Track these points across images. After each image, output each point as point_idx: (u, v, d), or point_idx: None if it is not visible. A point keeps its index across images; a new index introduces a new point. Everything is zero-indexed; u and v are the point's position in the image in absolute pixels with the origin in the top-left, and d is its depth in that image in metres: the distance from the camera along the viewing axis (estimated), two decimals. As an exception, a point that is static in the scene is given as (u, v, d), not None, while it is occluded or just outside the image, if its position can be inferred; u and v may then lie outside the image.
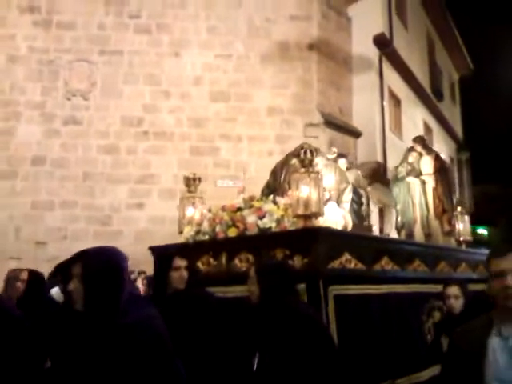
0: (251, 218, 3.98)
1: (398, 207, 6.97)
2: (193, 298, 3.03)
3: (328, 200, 5.26)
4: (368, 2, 11.21)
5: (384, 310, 3.95)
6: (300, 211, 3.76)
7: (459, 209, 7.13)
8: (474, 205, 19.03)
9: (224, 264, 3.96)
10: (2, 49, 9.40)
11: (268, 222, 3.91)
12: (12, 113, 9.18)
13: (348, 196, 5.69)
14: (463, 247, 6.64)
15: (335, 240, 3.72)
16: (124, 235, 8.77)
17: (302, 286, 3.22)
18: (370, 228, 7.06)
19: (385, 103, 11.15)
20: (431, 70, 15.14)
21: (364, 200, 6.84)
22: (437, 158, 7.01)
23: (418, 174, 6.85)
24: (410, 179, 6.86)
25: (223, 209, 4.23)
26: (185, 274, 3.07)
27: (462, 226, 6.88)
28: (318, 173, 3.95)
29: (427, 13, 14.98)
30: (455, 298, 3.73)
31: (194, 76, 9.53)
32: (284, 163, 5.34)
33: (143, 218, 8.98)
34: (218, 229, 4.12)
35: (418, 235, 6.59)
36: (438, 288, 4.36)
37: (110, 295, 1.79)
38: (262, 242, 3.78)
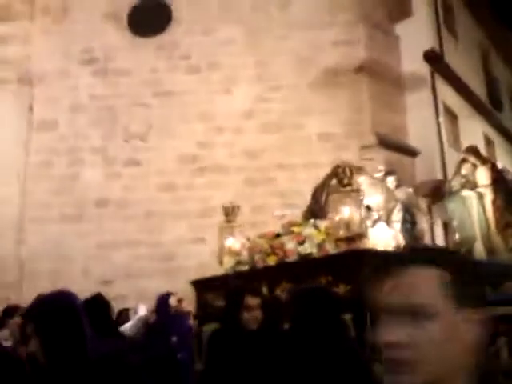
0: (290, 244, 3.82)
1: (455, 223, 6.51)
2: (263, 339, 2.64)
3: (377, 220, 5.09)
4: (415, 19, 11.07)
5: None
6: (341, 233, 3.55)
7: None
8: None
9: (266, 295, 3.65)
10: (67, 99, 9.99)
11: (308, 248, 3.72)
12: (76, 159, 9.67)
13: (398, 215, 5.44)
14: None
15: (380, 262, 3.36)
16: (187, 270, 8.91)
17: (347, 317, 2.96)
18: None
19: (440, 119, 10.86)
20: (487, 81, 14.65)
21: (418, 219, 6.43)
22: (493, 167, 6.54)
23: (474, 187, 6.35)
24: (466, 193, 6.36)
25: (262, 236, 4.10)
26: (258, 313, 2.68)
27: None
28: (358, 191, 3.75)
29: (478, 23, 14.59)
30: None
31: (245, 110, 9.71)
32: (324, 185, 5.14)
33: (205, 252, 9.09)
34: (256, 257, 3.97)
35: (479, 252, 6.04)
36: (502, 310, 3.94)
37: (71, 341, 1.68)
38: (303, 269, 3.56)
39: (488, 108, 14.03)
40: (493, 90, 14.81)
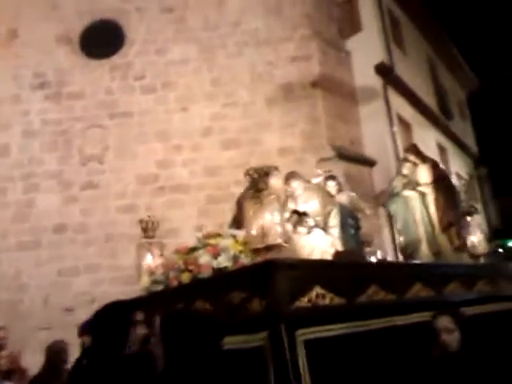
0: (204, 258, 3.41)
1: (398, 226, 6.24)
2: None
3: (313, 227, 4.93)
4: (364, 34, 11.41)
5: (378, 350, 3.19)
6: (258, 244, 3.20)
7: (469, 219, 6.26)
8: (501, 219, 18.67)
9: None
10: (18, 125, 9.75)
11: (223, 261, 3.34)
12: (31, 184, 9.41)
13: (334, 220, 5.17)
14: (480, 262, 5.90)
15: (300, 272, 3.04)
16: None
17: (263, 335, 2.79)
18: (373, 253, 6.32)
19: (395, 129, 11.16)
20: (437, 91, 15.19)
21: (363, 223, 6.18)
22: (434, 165, 6.30)
23: (415, 187, 6.12)
24: (407, 193, 6.10)
25: (177, 252, 3.68)
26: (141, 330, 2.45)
27: (476, 238, 6.09)
28: (275, 195, 3.35)
29: (424, 36, 15.16)
30: (448, 332, 3.03)
31: (203, 127, 9.71)
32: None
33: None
34: (171, 275, 3.56)
35: (425, 255, 5.83)
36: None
37: None
38: (217, 286, 3.20)
39: (439, 117, 14.54)
40: (442, 100, 15.36)
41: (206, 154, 9.59)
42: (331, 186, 6.17)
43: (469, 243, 5.95)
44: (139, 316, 2.55)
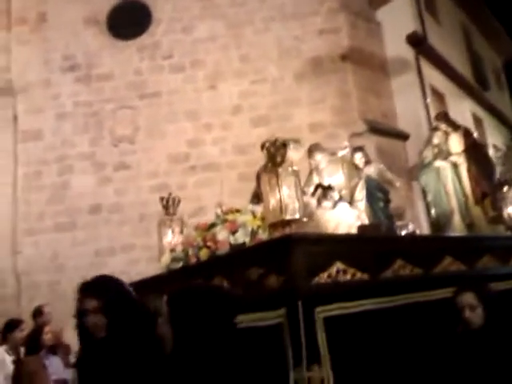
0: (222, 235, 3.37)
1: (429, 198, 5.91)
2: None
3: (338, 201, 4.84)
4: (395, 4, 11.03)
5: (403, 328, 3.07)
6: (274, 219, 3.03)
7: (505, 189, 5.77)
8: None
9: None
10: (50, 108, 9.88)
11: (240, 237, 3.28)
12: (65, 166, 9.57)
13: (360, 194, 5.05)
14: None
15: (319, 247, 2.94)
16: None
17: (281, 312, 2.68)
18: (405, 226, 6.05)
19: (428, 101, 10.85)
20: (472, 61, 14.68)
21: (393, 197, 5.96)
22: (466, 133, 5.92)
23: (447, 156, 5.81)
24: (439, 163, 5.79)
25: (196, 228, 3.66)
26: (97, 319, 2.15)
27: None
28: (292, 168, 3.17)
29: (459, 4, 14.60)
30: (471, 309, 2.88)
31: (232, 105, 9.64)
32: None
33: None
34: (190, 252, 3.53)
35: (459, 227, 5.56)
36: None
37: None
38: (235, 262, 3.13)
39: (474, 87, 14.06)
40: (478, 69, 14.85)
41: (235, 132, 9.54)
42: (358, 159, 5.97)
43: (505, 215, 5.52)
44: (89, 304, 2.18)
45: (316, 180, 5.15)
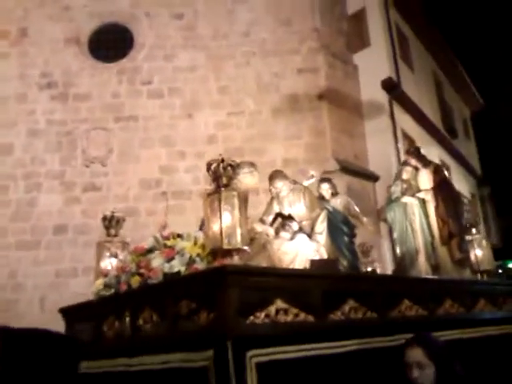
0: (157, 261, 3.08)
1: (395, 235, 5.67)
2: None
3: (297, 232, 4.60)
4: (372, 49, 11.45)
5: (351, 376, 2.78)
6: (212, 246, 2.75)
7: (474, 231, 5.64)
8: (502, 239, 18.63)
9: (128, 327, 2.98)
10: (23, 124, 9.75)
11: (176, 265, 2.99)
12: (33, 184, 9.39)
13: (322, 225, 4.76)
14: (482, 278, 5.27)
15: (257, 282, 2.60)
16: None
17: (209, 355, 2.38)
18: (371, 264, 5.99)
19: (399, 145, 11.16)
20: (442, 109, 15.23)
21: (360, 233, 5.74)
22: (436, 170, 5.75)
23: (415, 193, 5.64)
24: (407, 199, 5.60)
25: (132, 252, 3.38)
26: None
27: (481, 252, 5.42)
28: (237, 192, 2.86)
29: (431, 54, 15.24)
30: (419, 368, 2.53)
31: (207, 135, 9.71)
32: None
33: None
34: (122, 279, 3.25)
35: (423, 267, 5.34)
36: (446, 335, 3.46)
37: None
38: (165, 293, 2.81)
39: (443, 135, 14.55)
40: (447, 117, 15.41)
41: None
42: (325, 189, 5.76)
43: (472, 257, 5.41)
44: None
45: (276, 209, 4.95)
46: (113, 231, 3.92)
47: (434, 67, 15.65)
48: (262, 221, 4.84)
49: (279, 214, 4.79)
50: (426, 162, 5.80)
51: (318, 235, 4.68)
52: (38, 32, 10.21)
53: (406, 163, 5.91)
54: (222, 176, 2.94)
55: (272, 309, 2.57)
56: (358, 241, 6.02)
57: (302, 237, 4.55)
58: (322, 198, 5.69)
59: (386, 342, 3.11)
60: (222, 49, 10.20)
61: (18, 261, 8.94)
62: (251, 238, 4.09)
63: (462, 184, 15.94)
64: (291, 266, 4.20)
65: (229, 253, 2.74)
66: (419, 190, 5.61)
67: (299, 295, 2.74)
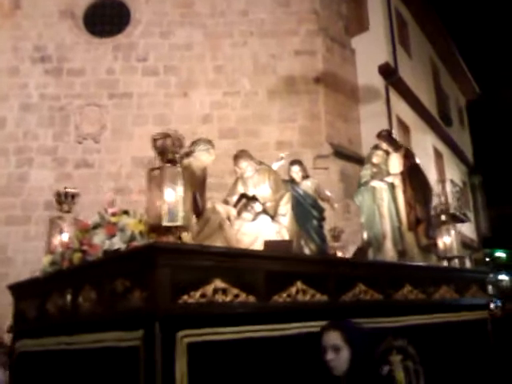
0: (98, 238, 3.02)
1: (363, 220, 5.53)
2: None
3: (259, 213, 4.51)
4: (371, 34, 11.36)
5: (289, 360, 2.69)
6: (155, 223, 2.61)
7: (443, 217, 5.43)
8: (491, 228, 18.81)
9: (69, 304, 2.92)
10: (15, 97, 9.63)
11: (116, 242, 2.92)
12: (25, 159, 9.32)
13: (285, 207, 4.62)
14: (448, 265, 5.04)
15: (193, 261, 2.48)
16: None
17: (139, 334, 2.31)
18: (342, 248, 5.86)
19: (393, 131, 11.14)
20: (438, 96, 15.20)
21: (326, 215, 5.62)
22: (407, 154, 5.59)
23: (385, 177, 5.51)
24: (375, 183, 5.46)
25: (79, 229, 3.29)
26: None
27: (450, 239, 5.19)
28: (178, 168, 2.76)
29: (430, 40, 15.15)
30: (334, 351, 2.49)
31: (202, 114, 9.64)
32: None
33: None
34: (66, 255, 3.20)
35: (389, 253, 5.23)
36: (401, 320, 3.46)
37: None
38: (103, 270, 2.74)
39: (438, 122, 14.55)
40: (443, 105, 15.38)
41: (203, 142, 9.52)
42: (295, 172, 5.65)
43: (440, 244, 5.20)
44: None
45: (241, 190, 4.80)
46: (66, 207, 3.76)
47: (432, 54, 15.58)
48: (225, 201, 4.72)
49: (243, 195, 4.70)
50: (396, 146, 5.64)
51: (281, 217, 4.55)
52: (32, 4, 10.03)
53: (376, 147, 5.68)
54: (167, 151, 2.83)
55: (209, 288, 2.46)
56: (329, 225, 5.96)
57: (264, 218, 4.46)
58: (292, 180, 5.62)
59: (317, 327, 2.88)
60: (220, 27, 10.08)
61: (8, 235, 8.91)
62: (207, 218, 4.07)
63: (454, 172, 16.02)
64: (251, 248, 4.08)
65: (169, 230, 2.61)
66: (389, 175, 5.50)
67: (240, 275, 2.63)
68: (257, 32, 10.11)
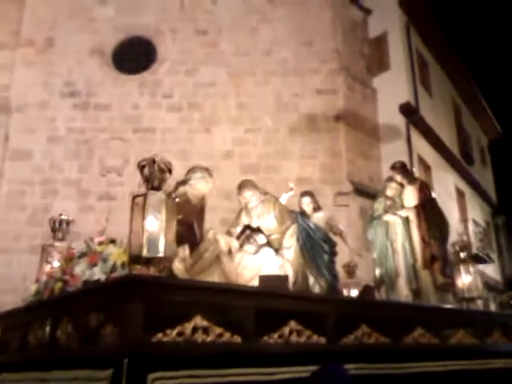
0: (79, 268, 2.91)
1: (375, 256, 5.23)
2: None
3: (262, 246, 4.27)
4: (392, 73, 11.50)
5: None
6: (137, 253, 2.44)
7: (462, 255, 5.03)
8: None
9: (47, 337, 2.76)
10: (43, 130, 9.91)
11: (97, 272, 2.80)
12: (50, 190, 9.52)
13: (290, 240, 4.37)
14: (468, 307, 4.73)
15: (172, 296, 2.29)
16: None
17: (107, 374, 2.09)
18: (355, 284, 5.54)
19: (414, 169, 11.11)
20: (459, 135, 15.17)
21: (337, 249, 5.41)
22: (422, 187, 5.34)
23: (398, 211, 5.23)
24: (389, 217, 5.17)
25: (64, 258, 3.21)
26: None
27: (470, 278, 4.82)
28: (162, 195, 2.60)
29: (451, 80, 15.23)
30: None
31: (224, 150, 9.78)
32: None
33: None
34: (50, 285, 3.08)
35: (404, 291, 4.93)
36: (410, 367, 3.13)
37: None
38: (79, 302, 2.56)
39: (460, 161, 14.46)
40: (464, 144, 15.33)
41: (223, 177, 9.59)
42: (305, 203, 5.46)
43: (459, 284, 4.89)
44: None
45: (245, 220, 4.58)
46: (59, 234, 3.56)
47: (453, 93, 15.64)
48: (229, 233, 4.54)
49: (247, 227, 4.52)
50: (411, 179, 5.45)
51: (286, 250, 4.31)
52: (64, 42, 10.43)
53: (390, 179, 5.47)
54: (153, 178, 2.71)
55: (189, 326, 2.25)
56: (344, 260, 5.67)
57: (267, 251, 4.23)
58: (302, 212, 5.45)
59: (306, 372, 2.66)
60: (243, 66, 10.32)
61: (29, 265, 9.00)
62: (204, 250, 3.88)
63: (476, 212, 15.79)
64: (251, 283, 3.86)
65: (150, 262, 2.44)
66: (403, 208, 5.24)
67: (226, 314, 2.41)
68: (279, 71, 10.33)
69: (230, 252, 4.15)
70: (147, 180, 2.71)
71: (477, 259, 13.77)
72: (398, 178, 5.38)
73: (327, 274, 5.11)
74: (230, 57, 10.38)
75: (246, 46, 10.47)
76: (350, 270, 5.99)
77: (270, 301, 2.69)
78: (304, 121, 10.04)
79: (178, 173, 9.95)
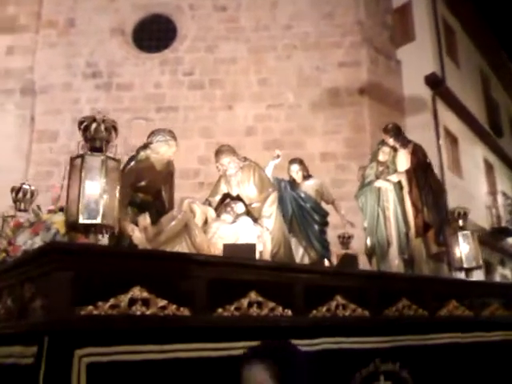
0: (21, 238, 2.78)
1: (365, 224, 4.90)
2: None
3: (240, 215, 4.03)
4: (417, 44, 11.20)
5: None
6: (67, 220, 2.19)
7: (460, 222, 4.51)
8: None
9: None
10: (68, 111, 10.01)
11: (37, 242, 2.63)
12: (76, 171, 9.66)
13: (270, 208, 4.05)
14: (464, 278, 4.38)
15: (105, 265, 2.06)
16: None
17: (33, 351, 1.90)
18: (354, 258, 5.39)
19: (441, 142, 10.90)
20: (488, 106, 14.77)
21: (329, 219, 5.11)
22: (415, 150, 4.92)
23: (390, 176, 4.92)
24: (380, 183, 4.87)
25: (12, 226, 3.04)
26: None
27: (467, 247, 4.38)
28: (101, 156, 2.35)
29: (479, 49, 14.77)
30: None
31: (246, 127, 9.74)
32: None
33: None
34: None
35: (395, 262, 4.67)
36: (390, 341, 2.90)
37: None
38: (14, 273, 2.34)
39: (488, 133, 14.11)
40: (493, 115, 14.92)
41: (247, 154, 9.53)
42: (294, 171, 5.23)
43: (456, 253, 4.47)
44: None
45: (224, 189, 4.34)
46: (22, 205, 3.47)
47: (481, 63, 15.17)
48: (208, 202, 4.29)
49: (227, 195, 4.30)
50: (404, 142, 5.01)
51: (265, 219, 4.00)
52: (85, 22, 10.45)
53: (382, 142, 5.08)
54: (94, 138, 2.39)
55: (124, 298, 2.03)
56: (338, 230, 5.43)
57: (244, 220, 3.94)
58: (292, 180, 5.24)
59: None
60: (264, 41, 10.19)
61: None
62: (171, 218, 3.69)
63: (506, 184, 15.44)
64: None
65: (88, 229, 2.23)
66: (395, 173, 4.93)
67: (171, 284, 2.18)
68: (301, 45, 10.16)
69: (206, 222, 3.96)
70: (88, 140, 2.41)
71: (507, 232, 13.54)
72: (390, 141, 5.01)
73: (317, 245, 4.94)
74: (250, 32, 10.26)
75: (265, 20, 10.32)
76: (345, 241, 5.79)
77: (228, 270, 2.42)
78: (327, 95, 9.90)
79: (202, 151, 10.08)
